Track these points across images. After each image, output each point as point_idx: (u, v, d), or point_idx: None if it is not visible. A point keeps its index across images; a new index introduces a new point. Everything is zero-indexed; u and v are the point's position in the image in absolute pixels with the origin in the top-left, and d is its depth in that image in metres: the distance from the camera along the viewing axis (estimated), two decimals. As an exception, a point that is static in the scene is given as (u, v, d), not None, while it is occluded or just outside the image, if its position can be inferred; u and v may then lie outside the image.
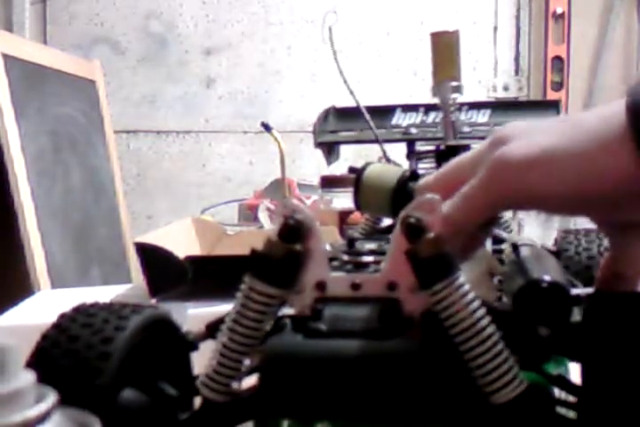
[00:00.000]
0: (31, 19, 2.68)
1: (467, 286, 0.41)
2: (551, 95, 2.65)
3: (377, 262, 0.47)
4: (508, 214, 0.81)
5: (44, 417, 0.29)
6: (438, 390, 0.41)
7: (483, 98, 2.61)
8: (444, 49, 0.77)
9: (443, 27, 0.80)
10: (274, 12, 2.72)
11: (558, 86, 2.67)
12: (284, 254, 0.43)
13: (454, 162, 0.47)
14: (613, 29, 2.65)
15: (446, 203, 0.44)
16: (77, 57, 2.33)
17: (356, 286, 0.44)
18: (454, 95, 0.78)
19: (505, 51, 2.74)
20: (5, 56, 1.80)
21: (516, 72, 2.74)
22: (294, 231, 0.43)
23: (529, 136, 0.42)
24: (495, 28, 2.73)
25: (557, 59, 2.68)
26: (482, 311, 0.41)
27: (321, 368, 0.42)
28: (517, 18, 2.73)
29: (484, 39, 2.72)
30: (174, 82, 2.72)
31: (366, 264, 0.48)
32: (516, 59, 2.74)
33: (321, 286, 0.45)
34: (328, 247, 0.47)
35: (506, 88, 2.73)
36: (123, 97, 2.67)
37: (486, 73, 2.73)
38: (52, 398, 0.30)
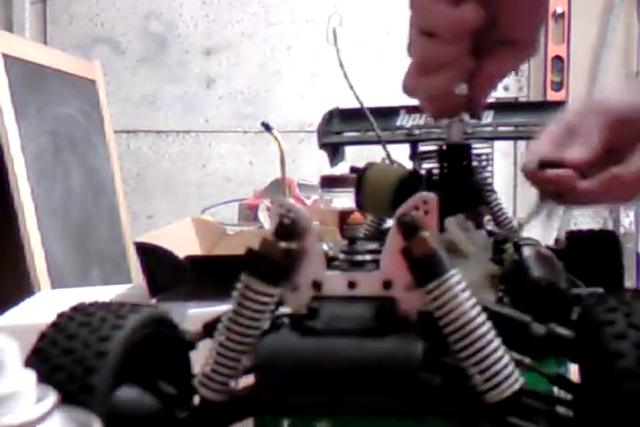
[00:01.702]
0: (31, 19, 2.68)
1: (462, 285, 0.41)
2: (551, 95, 2.65)
3: (375, 261, 0.47)
4: (509, 214, 0.81)
5: (44, 417, 0.29)
6: (433, 388, 0.42)
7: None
8: None
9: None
10: (274, 12, 2.71)
11: (558, 86, 2.67)
12: (280, 253, 0.43)
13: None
14: (613, 29, 2.64)
15: None
16: (77, 57, 2.33)
17: (352, 285, 0.45)
18: None
19: (505, 51, 2.74)
20: (5, 56, 1.80)
21: (516, 72, 2.74)
22: (290, 230, 0.43)
23: None
24: (495, 28, 2.73)
25: (557, 59, 2.68)
26: (477, 310, 0.41)
27: (315, 366, 0.42)
28: (517, 18, 2.73)
29: (483, 39, 2.72)
30: (174, 82, 2.72)
31: (363, 263, 0.48)
32: (516, 59, 2.74)
33: (317, 284, 0.45)
34: (325, 246, 0.47)
35: (506, 88, 2.73)
36: (123, 97, 2.67)
37: (486, 73, 2.72)
38: (52, 398, 0.30)
